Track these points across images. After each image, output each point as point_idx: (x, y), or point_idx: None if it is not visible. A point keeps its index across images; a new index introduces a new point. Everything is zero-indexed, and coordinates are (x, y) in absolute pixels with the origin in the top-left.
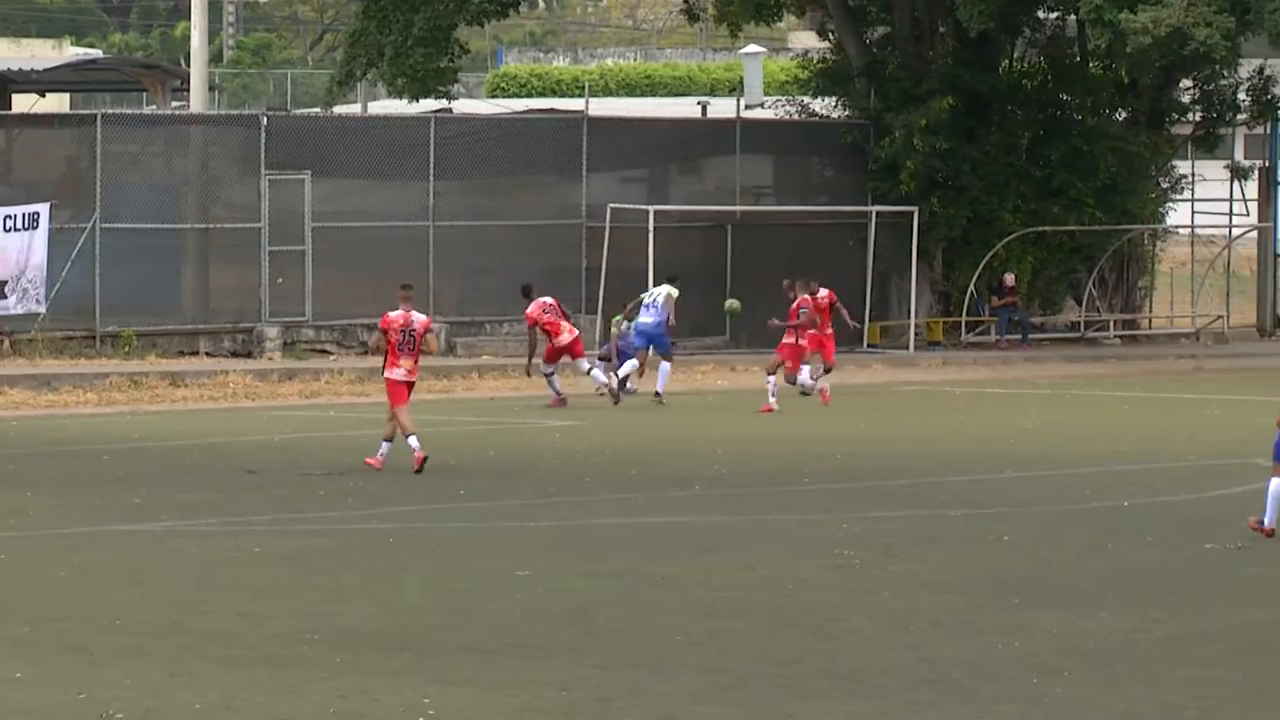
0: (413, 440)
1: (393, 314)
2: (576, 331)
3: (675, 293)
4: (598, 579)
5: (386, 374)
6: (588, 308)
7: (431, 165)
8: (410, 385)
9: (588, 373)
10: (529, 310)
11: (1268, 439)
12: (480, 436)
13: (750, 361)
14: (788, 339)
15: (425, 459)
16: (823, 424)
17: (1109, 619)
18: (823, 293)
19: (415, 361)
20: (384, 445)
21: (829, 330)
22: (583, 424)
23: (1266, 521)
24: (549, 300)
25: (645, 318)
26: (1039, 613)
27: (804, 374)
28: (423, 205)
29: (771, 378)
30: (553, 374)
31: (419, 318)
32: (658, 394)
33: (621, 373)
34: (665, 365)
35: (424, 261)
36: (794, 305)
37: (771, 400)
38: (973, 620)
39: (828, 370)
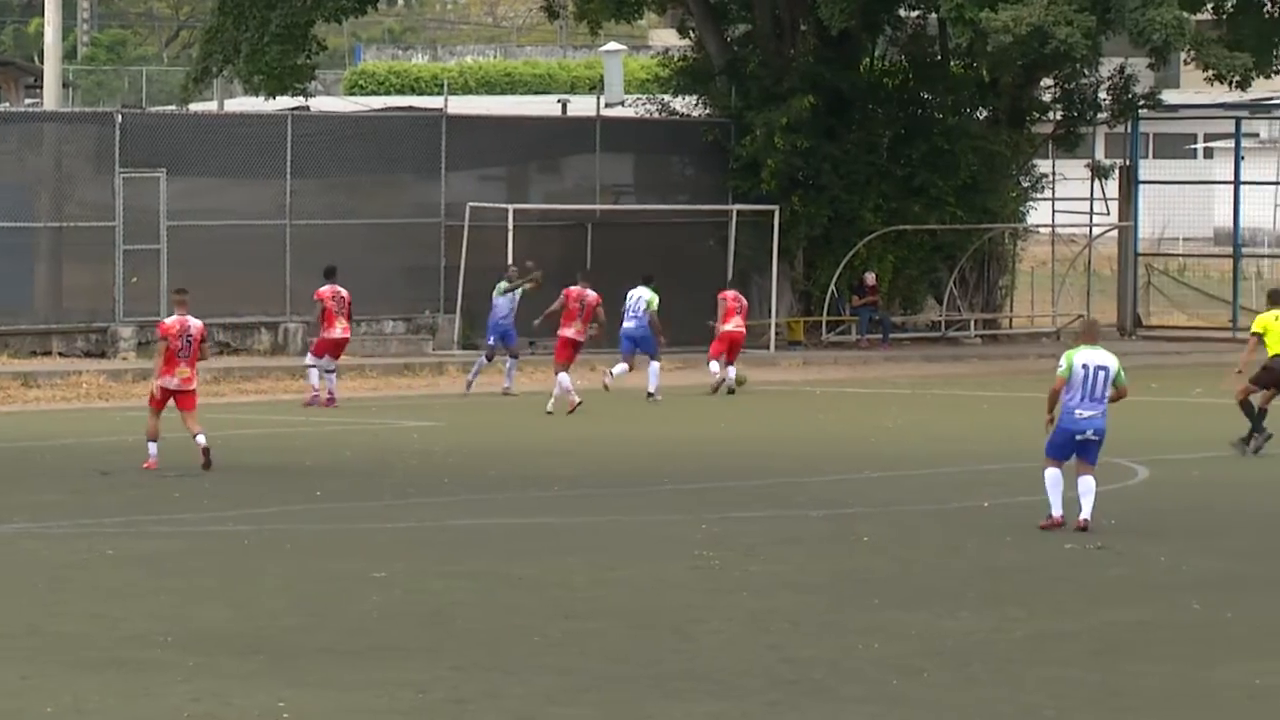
0: (200, 438)
1: (169, 320)
2: (349, 336)
3: (653, 295)
4: (455, 580)
5: (159, 381)
6: (446, 307)
7: (288, 163)
8: (187, 394)
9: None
10: (322, 289)
11: (1132, 439)
12: (337, 437)
13: (610, 361)
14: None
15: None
16: (683, 424)
17: (969, 619)
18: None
19: (193, 369)
20: (151, 446)
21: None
22: (440, 424)
23: (1054, 513)
24: (344, 293)
25: (627, 323)
26: (899, 613)
27: (620, 368)
28: (279, 204)
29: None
30: (313, 368)
31: (195, 323)
32: (650, 394)
33: (616, 371)
34: (655, 365)
35: (280, 260)
36: (589, 302)
37: (573, 396)
38: (833, 621)
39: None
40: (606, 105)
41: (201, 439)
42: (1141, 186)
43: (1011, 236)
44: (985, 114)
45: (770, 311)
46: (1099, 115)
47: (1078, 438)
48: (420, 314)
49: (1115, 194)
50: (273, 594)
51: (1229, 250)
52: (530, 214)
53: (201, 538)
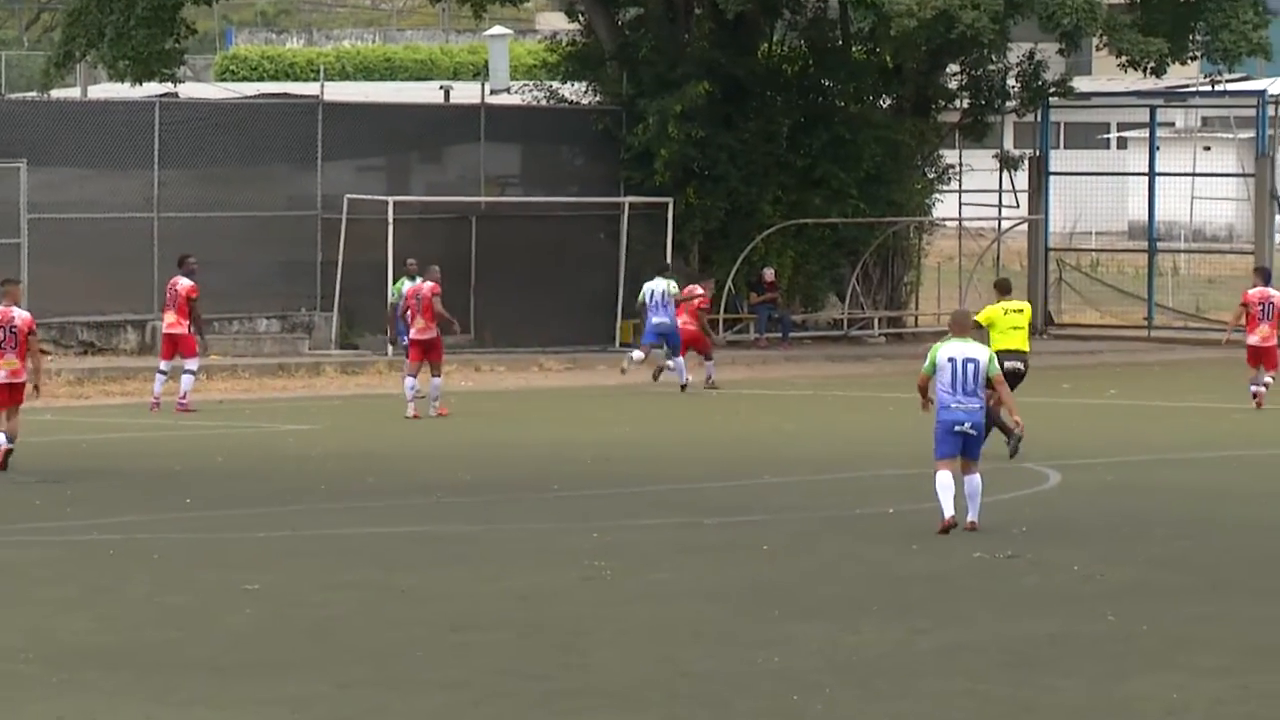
0: (1, 437)
1: None
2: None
3: (673, 284)
4: (335, 592)
5: None
6: (323, 304)
7: (156, 153)
8: (12, 387)
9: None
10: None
11: (1044, 443)
12: (209, 441)
13: (496, 361)
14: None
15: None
16: (573, 428)
17: (872, 631)
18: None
19: (21, 361)
20: None
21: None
22: (318, 428)
23: (946, 514)
24: (182, 284)
25: (657, 316)
26: (800, 625)
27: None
28: (147, 195)
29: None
30: (167, 375)
31: (20, 314)
32: (683, 385)
33: (636, 356)
34: (680, 360)
35: (148, 255)
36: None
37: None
38: (732, 633)
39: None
40: (491, 92)
41: (3, 438)
42: (1052, 178)
43: (917, 230)
44: (889, 102)
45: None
46: (1007, 103)
47: (956, 429)
48: (296, 311)
49: (1025, 186)
50: (140, 606)
51: (1144, 245)
52: (411, 206)
53: (64, 547)
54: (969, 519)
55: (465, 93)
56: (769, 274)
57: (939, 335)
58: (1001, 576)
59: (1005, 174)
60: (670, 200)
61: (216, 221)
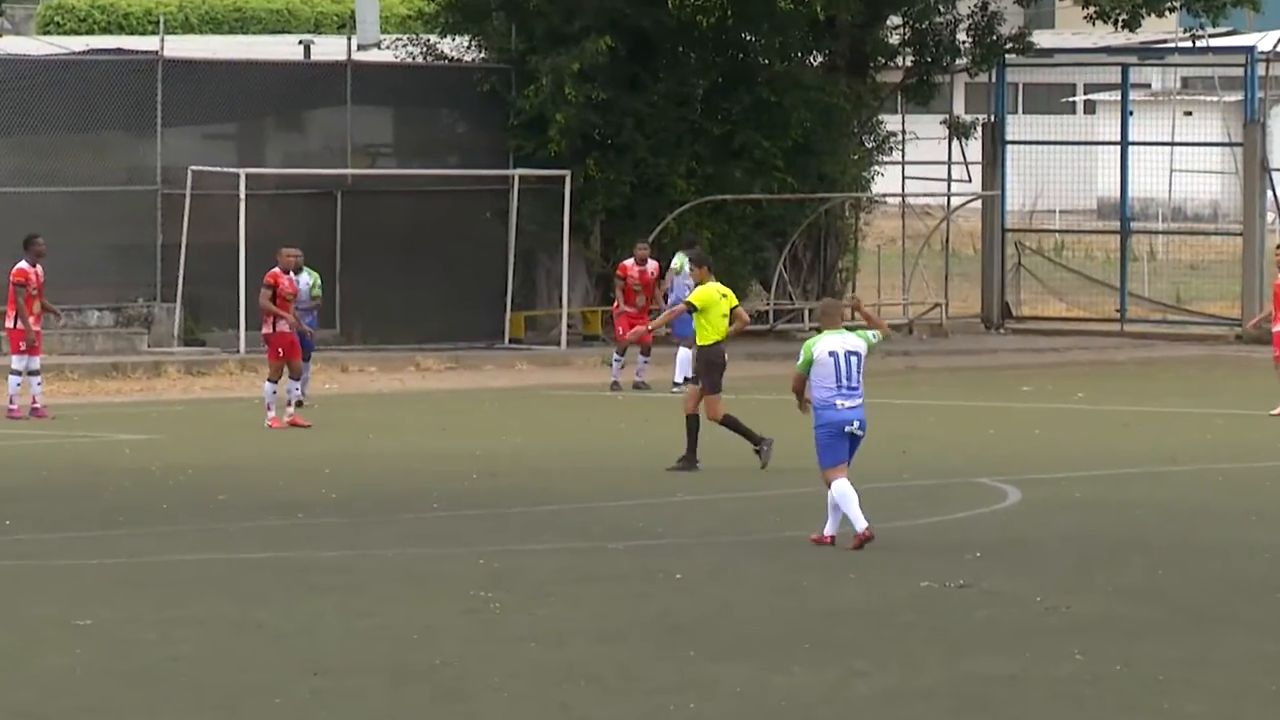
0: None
1: None
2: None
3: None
4: (177, 628)
5: None
6: (164, 294)
7: None
8: None
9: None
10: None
11: (996, 453)
12: (31, 453)
13: (366, 360)
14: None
15: None
16: (455, 439)
17: (803, 673)
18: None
19: None
20: None
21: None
22: (160, 437)
23: (859, 527)
24: (37, 270)
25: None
26: (719, 666)
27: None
28: None
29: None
30: (20, 374)
31: None
32: (676, 384)
33: (684, 371)
34: (686, 352)
35: None
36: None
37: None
38: (639, 675)
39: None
40: (359, 48)
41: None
42: (1009, 147)
43: (853, 208)
44: (820, 60)
45: (561, 299)
46: (957, 61)
47: (846, 429)
48: (132, 302)
49: (978, 157)
50: None
51: (1115, 225)
52: (267, 180)
53: None
54: (826, 531)
55: (329, 48)
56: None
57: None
58: (952, 609)
59: (955, 143)
60: (567, 173)
61: (38, 198)
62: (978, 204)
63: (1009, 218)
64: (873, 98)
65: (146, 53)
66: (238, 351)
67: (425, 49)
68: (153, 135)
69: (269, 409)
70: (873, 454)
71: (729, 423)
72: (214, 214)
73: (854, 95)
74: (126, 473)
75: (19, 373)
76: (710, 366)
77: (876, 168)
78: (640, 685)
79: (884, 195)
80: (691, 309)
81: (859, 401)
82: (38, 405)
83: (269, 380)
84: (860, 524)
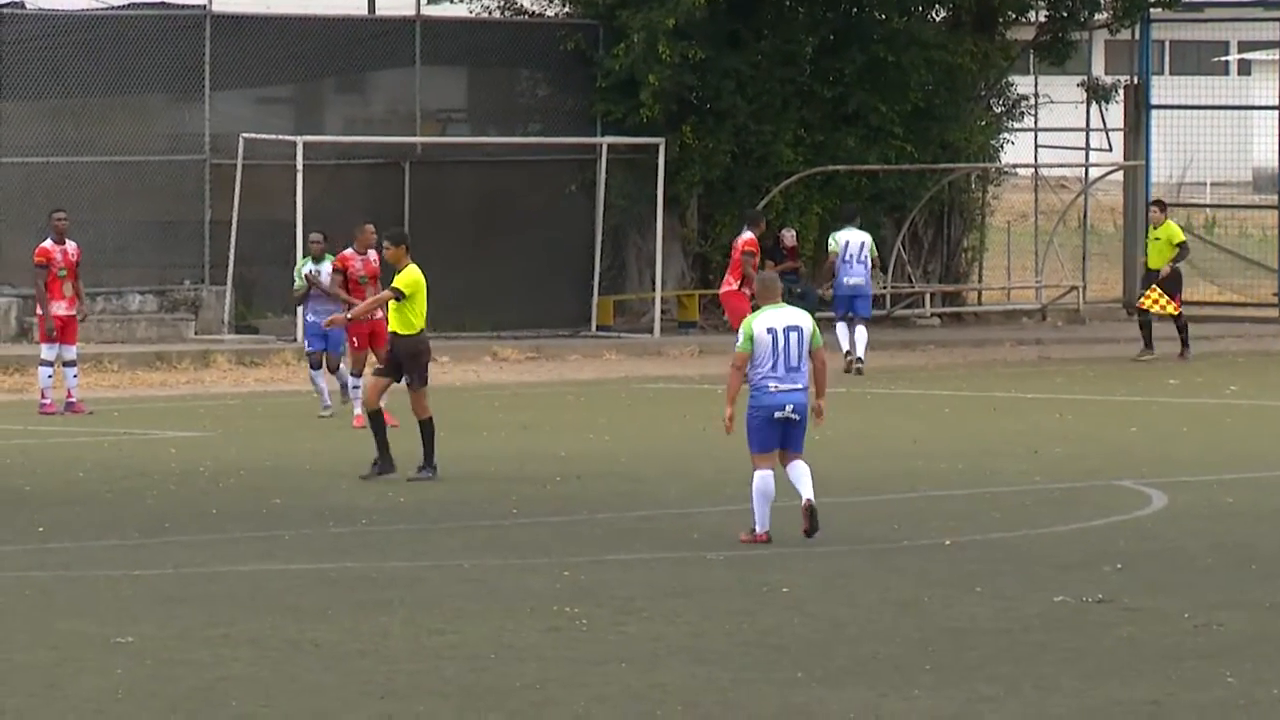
0: None
1: None
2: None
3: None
4: (227, 647)
5: None
6: (213, 275)
7: None
8: None
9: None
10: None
11: (1138, 454)
12: (66, 452)
13: (437, 349)
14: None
15: None
16: (536, 437)
17: (924, 698)
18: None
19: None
20: None
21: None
22: (209, 435)
23: (759, 527)
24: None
25: (851, 277)
26: (829, 690)
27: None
28: None
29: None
30: (46, 364)
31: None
32: (859, 360)
33: (860, 348)
34: (863, 329)
35: None
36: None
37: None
38: (740, 701)
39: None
40: (429, 2)
41: None
42: (1154, 112)
43: (979, 180)
44: (943, 15)
45: (654, 282)
46: (1096, 16)
47: (777, 415)
48: (177, 285)
49: (1119, 123)
50: None
51: (1273, 199)
52: (326, 149)
53: None
54: (806, 497)
55: (395, 2)
56: (789, 236)
57: (1009, 316)
58: (1089, 628)
59: (1094, 108)
60: (661, 141)
61: (73, 168)
62: (1119, 175)
63: (1154, 190)
64: (1002, 57)
65: (193, 7)
66: (294, 340)
67: (503, 3)
68: (200, 99)
69: (354, 405)
70: (1000, 453)
71: (427, 427)
72: (268, 186)
73: (980, 54)
74: (171, 474)
75: (50, 363)
76: (417, 358)
77: (1006, 135)
78: (741, 712)
79: (1014, 166)
80: (399, 296)
81: (797, 385)
82: (73, 399)
83: (350, 374)
84: (762, 525)
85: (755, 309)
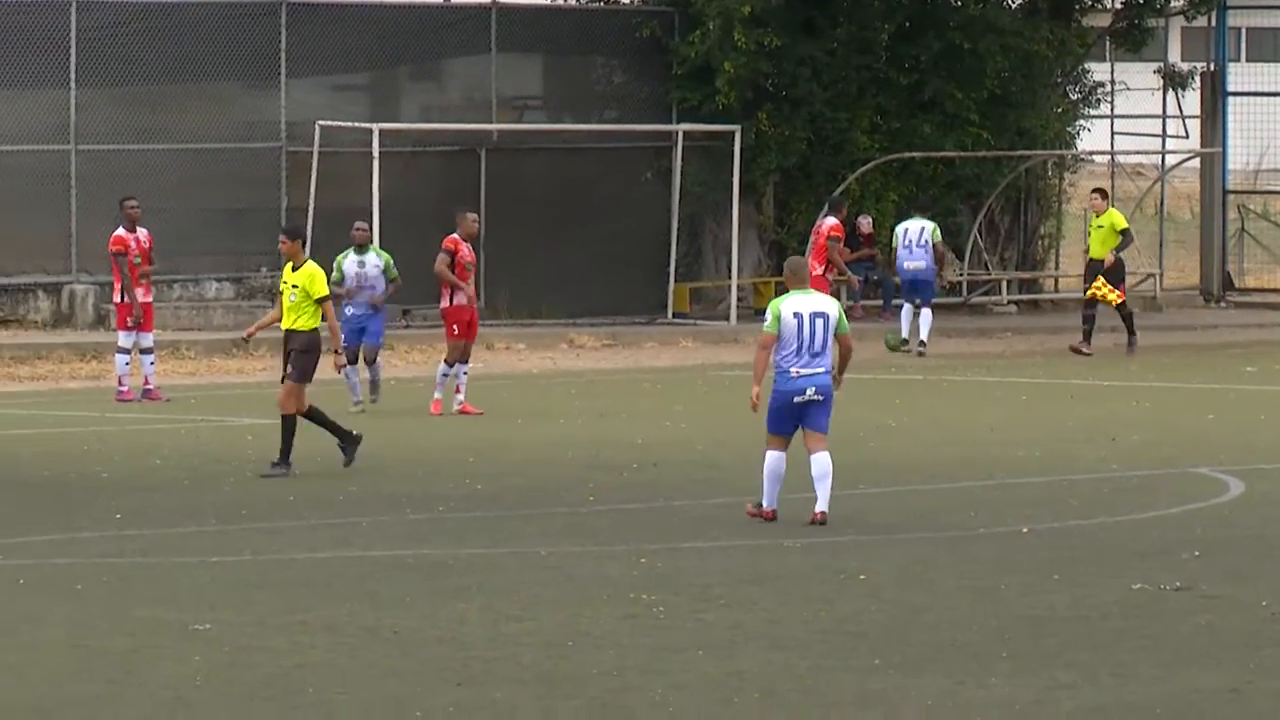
0: None
1: None
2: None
3: (933, 226)
4: (305, 634)
5: None
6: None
7: (72, 68)
8: None
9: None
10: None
11: (1216, 441)
12: (143, 439)
13: (513, 336)
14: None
15: None
16: (612, 424)
17: (1001, 686)
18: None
19: None
20: None
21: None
22: None
23: (766, 503)
24: (137, 236)
25: (912, 261)
26: (907, 678)
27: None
28: (60, 122)
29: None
30: (123, 352)
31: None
32: (922, 344)
33: (923, 331)
34: (927, 313)
35: (63, 198)
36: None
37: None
38: (818, 688)
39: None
40: None
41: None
42: (1231, 99)
43: (1056, 167)
44: (1020, 1)
45: (730, 269)
46: (1173, 3)
47: (797, 400)
48: (254, 272)
49: (1196, 110)
50: (57, 652)
51: None
52: (402, 136)
53: None
54: (817, 509)
55: None
56: (865, 224)
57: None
58: (1167, 615)
59: (1170, 95)
60: (737, 129)
61: (148, 156)
62: (1195, 163)
63: (1231, 178)
64: (1078, 44)
65: None
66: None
67: None
68: (275, 87)
69: (435, 392)
70: (1078, 440)
71: (316, 416)
72: (343, 174)
73: (1057, 41)
74: (249, 461)
75: (127, 351)
76: (307, 354)
77: (1082, 122)
78: (819, 699)
79: (1091, 153)
80: (327, 299)
81: (819, 369)
82: (150, 386)
83: (444, 360)
84: (770, 503)
85: (783, 293)
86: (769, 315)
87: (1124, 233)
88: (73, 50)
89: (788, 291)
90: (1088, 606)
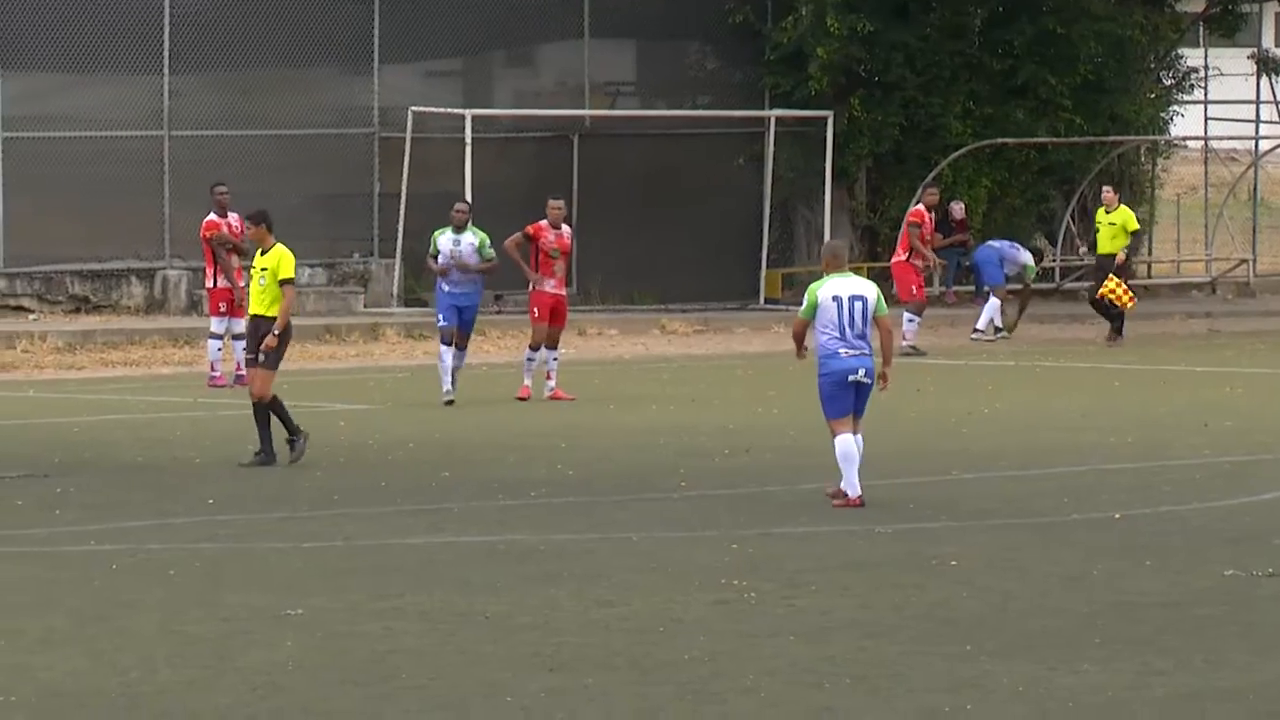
0: None
1: None
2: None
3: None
4: (398, 619)
5: None
6: (382, 249)
7: (166, 53)
8: None
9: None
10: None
11: None
12: (235, 425)
13: (605, 322)
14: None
15: None
16: (704, 410)
17: (1093, 672)
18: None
19: None
20: None
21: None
22: (378, 408)
23: (849, 490)
24: (228, 221)
25: (995, 241)
26: (998, 664)
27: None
28: (154, 108)
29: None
30: (215, 337)
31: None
32: (979, 329)
33: (984, 318)
34: (993, 300)
35: (157, 185)
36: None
37: (528, 382)
38: (909, 674)
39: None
40: None
41: None
42: None
43: (1149, 153)
44: None
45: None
46: None
47: (850, 379)
48: (347, 258)
49: None
50: (148, 638)
51: None
52: (495, 122)
53: (53, 560)
54: (855, 494)
55: None
56: (957, 209)
57: (1179, 289)
58: (1260, 601)
59: (1264, 80)
60: (829, 114)
61: (241, 141)
62: None
63: None
64: (1171, 29)
65: None
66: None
67: None
68: (368, 73)
69: (525, 378)
70: (1170, 426)
71: (275, 406)
72: (436, 159)
73: (1150, 26)
74: (340, 447)
75: (219, 336)
76: (283, 341)
77: (1176, 108)
78: (910, 684)
79: (1184, 138)
80: (290, 282)
81: (865, 351)
82: (242, 372)
83: (529, 345)
84: (854, 489)
85: (824, 275)
86: (805, 300)
87: (1135, 234)
88: (166, 36)
89: (826, 275)
90: (1180, 592)
